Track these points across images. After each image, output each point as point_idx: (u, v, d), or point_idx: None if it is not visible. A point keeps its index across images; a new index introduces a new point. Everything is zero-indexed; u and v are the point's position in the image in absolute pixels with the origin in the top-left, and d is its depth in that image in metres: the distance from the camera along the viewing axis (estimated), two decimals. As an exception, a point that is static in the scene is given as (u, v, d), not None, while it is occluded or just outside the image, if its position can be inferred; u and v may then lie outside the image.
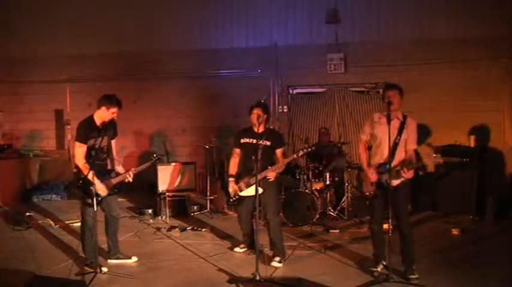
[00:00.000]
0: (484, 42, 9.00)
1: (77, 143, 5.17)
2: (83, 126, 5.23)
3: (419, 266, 4.90)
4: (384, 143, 4.84)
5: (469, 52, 9.06)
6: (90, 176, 4.96)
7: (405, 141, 4.84)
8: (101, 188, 5.10)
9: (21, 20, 10.99)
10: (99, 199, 5.06)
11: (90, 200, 5.04)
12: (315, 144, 5.70)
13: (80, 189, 5.10)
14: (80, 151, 5.13)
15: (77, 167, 5.18)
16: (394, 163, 4.75)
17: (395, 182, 4.74)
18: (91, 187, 5.00)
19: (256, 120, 5.48)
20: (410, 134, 4.85)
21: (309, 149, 5.56)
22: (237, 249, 5.90)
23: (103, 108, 5.21)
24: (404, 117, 4.89)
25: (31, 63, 10.99)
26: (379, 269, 4.99)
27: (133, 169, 5.29)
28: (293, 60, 9.90)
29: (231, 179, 5.63)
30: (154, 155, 5.48)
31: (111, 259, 5.51)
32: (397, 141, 4.78)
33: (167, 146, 10.46)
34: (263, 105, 5.60)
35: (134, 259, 5.57)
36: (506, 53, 8.97)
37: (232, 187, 5.59)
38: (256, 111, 5.48)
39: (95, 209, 4.95)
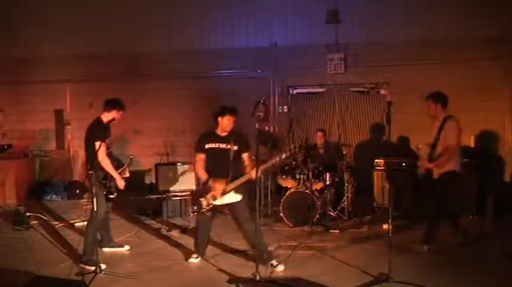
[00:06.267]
0: (484, 42, 9.00)
1: (98, 143, 5.25)
2: (99, 126, 5.47)
3: (419, 266, 4.90)
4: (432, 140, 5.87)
5: (469, 52, 9.06)
6: (116, 173, 5.43)
7: (444, 139, 5.71)
8: (122, 183, 5.51)
9: (21, 20, 10.98)
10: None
11: (112, 196, 5.45)
12: (295, 147, 5.46)
13: (105, 186, 5.41)
14: (102, 150, 5.25)
15: (93, 167, 5.25)
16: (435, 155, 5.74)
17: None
18: (111, 183, 5.43)
19: (230, 126, 5.33)
20: (446, 133, 5.72)
21: (289, 153, 5.34)
22: (191, 260, 5.55)
23: (114, 111, 5.52)
24: (445, 119, 5.77)
25: (31, 63, 10.98)
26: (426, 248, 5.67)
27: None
28: (293, 60, 9.90)
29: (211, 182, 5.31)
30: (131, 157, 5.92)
31: (105, 247, 5.79)
32: (436, 138, 5.76)
33: (167, 146, 10.46)
34: (236, 112, 5.42)
35: (127, 247, 5.93)
36: (506, 53, 8.96)
37: (213, 195, 5.27)
38: (233, 118, 5.32)
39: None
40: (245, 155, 5.39)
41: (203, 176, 5.40)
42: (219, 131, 5.43)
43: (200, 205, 5.35)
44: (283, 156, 5.33)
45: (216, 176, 5.30)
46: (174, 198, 7.91)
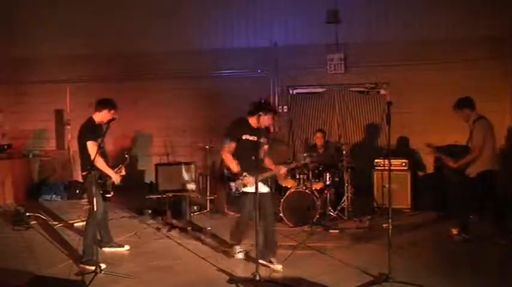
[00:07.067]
0: (484, 42, 9.00)
1: (91, 143, 5.31)
2: (92, 127, 5.45)
3: (419, 266, 4.90)
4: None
5: (469, 52, 9.07)
6: (110, 171, 5.44)
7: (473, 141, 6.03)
8: (118, 178, 5.53)
9: (21, 21, 10.99)
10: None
11: (109, 195, 5.47)
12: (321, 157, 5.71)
13: (101, 185, 5.38)
14: (95, 149, 5.21)
15: (90, 167, 5.19)
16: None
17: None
18: (108, 182, 5.44)
19: (268, 125, 5.42)
20: (473, 135, 6.05)
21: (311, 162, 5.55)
22: (239, 255, 5.57)
23: (105, 111, 5.50)
24: (474, 121, 6.06)
25: (31, 63, 11.00)
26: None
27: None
28: (293, 60, 9.90)
29: (245, 173, 5.27)
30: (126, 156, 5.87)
31: (105, 247, 5.83)
32: (469, 139, 6.13)
33: (167, 146, 10.47)
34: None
35: (127, 247, 5.95)
36: (506, 53, 8.97)
37: (243, 182, 5.26)
38: (273, 117, 5.42)
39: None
40: (266, 148, 5.48)
41: (234, 164, 5.30)
42: (253, 123, 5.35)
43: (230, 188, 5.43)
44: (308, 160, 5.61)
45: (246, 165, 5.26)
46: (174, 198, 7.91)
